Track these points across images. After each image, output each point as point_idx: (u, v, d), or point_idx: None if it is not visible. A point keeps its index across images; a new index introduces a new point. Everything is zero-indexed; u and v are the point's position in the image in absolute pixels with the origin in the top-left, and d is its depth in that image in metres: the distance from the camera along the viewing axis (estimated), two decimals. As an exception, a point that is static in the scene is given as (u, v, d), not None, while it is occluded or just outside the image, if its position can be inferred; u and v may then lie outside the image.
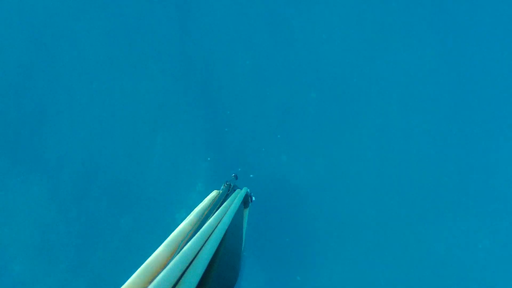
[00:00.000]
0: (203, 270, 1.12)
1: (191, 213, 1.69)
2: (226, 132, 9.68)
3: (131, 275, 1.03)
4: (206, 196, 2.20)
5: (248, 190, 2.53)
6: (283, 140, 9.63)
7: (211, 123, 9.81)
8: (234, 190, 2.30)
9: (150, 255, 1.17)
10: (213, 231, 1.39)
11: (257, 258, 8.37)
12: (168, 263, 1.11)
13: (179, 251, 1.20)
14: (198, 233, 1.31)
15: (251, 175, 8.71)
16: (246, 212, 2.50)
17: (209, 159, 9.42)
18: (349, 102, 9.93)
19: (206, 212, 1.78)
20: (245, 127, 9.62)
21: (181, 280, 1.01)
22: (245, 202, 2.46)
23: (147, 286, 0.99)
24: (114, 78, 9.59)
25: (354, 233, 8.86)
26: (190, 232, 1.47)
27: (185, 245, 1.21)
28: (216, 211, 1.70)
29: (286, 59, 9.22)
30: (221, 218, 1.56)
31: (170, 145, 9.44)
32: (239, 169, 8.71)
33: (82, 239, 8.78)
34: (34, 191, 8.67)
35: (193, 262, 1.12)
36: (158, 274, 1.05)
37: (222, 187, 2.26)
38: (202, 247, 1.22)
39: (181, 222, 1.55)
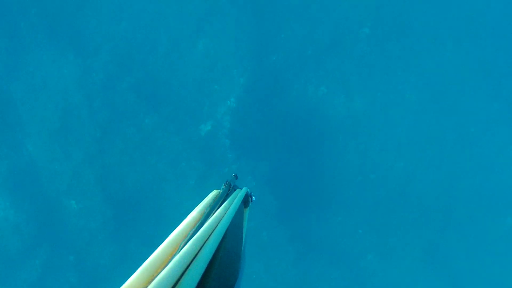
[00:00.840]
0: (203, 270, 1.15)
1: (191, 213, 1.76)
2: (271, 53, 9.20)
3: (131, 275, 1.07)
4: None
5: (248, 190, 2.56)
6: (325, 71, 9.15)
7: (256, 41, 9.26)
8: (234, 190, 2.34)
9: (150, 254, 1.22)
10: (213, 231, 1.44)
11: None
12: (168, 263, 1.14)
13: (179, 251, 1.23)
14: (198, 233, 1.35)
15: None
16: (246, 212, 2.53)
17: (242, 79, 9.17)
18: (401, 42, 9.02)
19: (206, 212, 1.82)
20: (291, 51, 9.08)
21: (181, 280, 1.04)
22: (245, 202, 2.49)
23: (147, 286, 1.01)
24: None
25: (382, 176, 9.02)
26: (190, 232, 1.51)
27: (185, 245, 1.25)
28: (216, 211, 1.75)
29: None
30: (221, 218, 1.61)
31: (211, 52, 9.18)
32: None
33: (101, 132, 9.29)
34: (65, 71, 8.92)
35: (193, 262, 1.15)
36: (158, 274, 1.07)
37: (222, 186, 2.29)
38: (202, 247, 1.27)
39: (182, 221, 1.62)
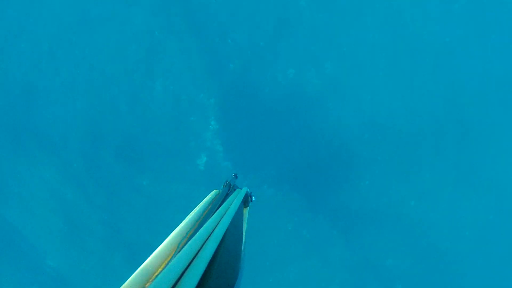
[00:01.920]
0: (203, 270, 1.21)
1: (191, 212, 1.82)
2: (227, 62, 9.51)
3: (131, 275, 1.12)
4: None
5: (248, 189, 2.67)
6: (286, 53, 9.49)
7: (208, 57, 9.59)
8: (234, 190, 2.46)
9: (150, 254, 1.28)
10: (213, 231, 1.49)
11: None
12: (168, 263, 1.18)
13: (179, 251, 1.28)
14: (198, 233, 1.40)
15: None
16: (246, 211, 2.62)
17: (212, 100, 9.41)
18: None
19: (206, 212, 1.88)
20: (244, 51, 9.41)
21: (181, 280, 1.09)
22: (245, 201, 2.60)
23: (147, 286, 1.06)
24: (93, 32, 9.17)
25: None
26: (190, 232, 1.57)
27: (185, 245, 1.30)
28: (216, 211, 1.81)
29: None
30: (221, 218, 1.67)
31: (170, 89, 9.46)
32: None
33: (108, 213, 9.50)
34: (47, 175, 9.15)
35: (193, 262, 1.20)
36: (158, 274, 1.11)
37: (222, 186, 2.40)
38: (202, 247, 1.32)
39: (182, 221, 1.69)
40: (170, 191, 9.29)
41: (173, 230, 1.56)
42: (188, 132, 8.96)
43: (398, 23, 9.98)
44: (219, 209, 1.87)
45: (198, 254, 1.28)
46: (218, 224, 1.61)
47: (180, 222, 1.66)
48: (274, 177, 8.77)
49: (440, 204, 9.10)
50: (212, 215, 1.74)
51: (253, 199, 2.78)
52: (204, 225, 1.55)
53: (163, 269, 1.18)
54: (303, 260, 9.08)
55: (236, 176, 2.85)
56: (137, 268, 1.17)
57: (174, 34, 9.27)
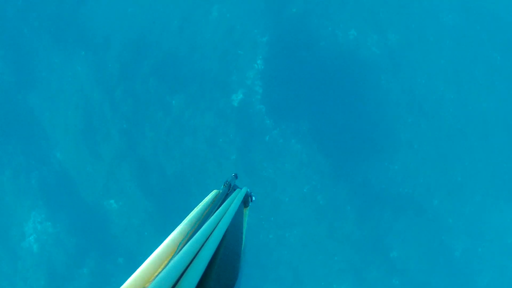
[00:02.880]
0: (203, 270, 1.24)
1: (191, 212, 1.89)
2: (290, 4, 9.50)
3: (131, 275, 1.15)
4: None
5: (248, 189, 2.79)
6: (353, 12, 9.45)
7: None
8: (234, 190, 2.55)
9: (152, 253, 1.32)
10: (213, 231, 1.54)
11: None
12: (168, 263, 1.22)
13: (179, 251, 1.31)
14: (198, 233, 1.45)
15: None
16: (246, 211, 2.74)
17: (264, 39, 9.44)
18: None
19: (206, 212, 1.94)
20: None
21: (181, 280, 1.12)
22: (245, 201, 2.71)
23: (147, 286, 1.09)
24: None
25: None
26: (190, 232, 1.61)
27: (185, 245, 1.34)
28: (216, 211, 1.87)
29: None
30: (221, 218, 1.72)
31: (226, 16, 9.52)
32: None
33: (128, 123, 9.74)
34: (78, 70, 9.40)
35: (193, 262, 1.24)
36: (158, 274, 1.15)
37: (222, 186, 2.50)
38: (202, 247, 1.36)
39: (182, 221, 1.74)
40: (197, 118, 9.70)
41: (173, 230, 1.63)
42: (232, 65, 9.13)
43: (475, 8, 9.81)
44: (219, 209, 1.92)
45: (198, 254, 1.31)
46: (218, 224, 1.65)
47: (181, 222, 1.72)
48: (304, 133, 8.97)
49: (464, 209, 9.20)
50: (212, 215, 1.79)
51: (253, 199, 2.86)
52: (204, 225, 1.59)
53: (163, 269, 1.21)
54: (309, 226, 9.34)
55: (236, 176, 2.90)
56: (136, 268, 1.22)
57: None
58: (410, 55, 9.94)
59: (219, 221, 1.73)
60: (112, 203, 9.71)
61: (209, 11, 9.45)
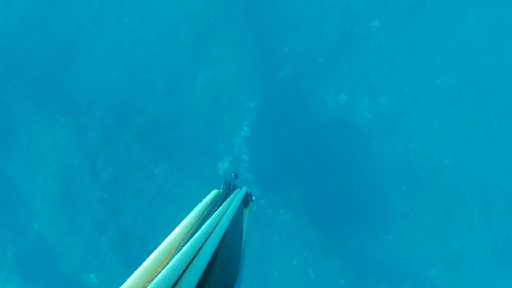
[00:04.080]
0: (203, 270, 1.31)
1: (191, 212, 2.00)
2: (278, 69, 9.88)
3: (131, 275, 1.23)
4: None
5: (248, 189, 2.98)
6: (343, 76, 9.82)
7: (259, 60, 9.98)
8: (234, 190, 2.69)
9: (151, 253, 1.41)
10: (212, 230, 1.62)
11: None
12: (168, 263, 1.30)
13: (179, 251, 1.40)
14: (198, 232, 1.53)
15: None
16: (246, 211, 2.92)
17: (251, 104, 9.81)
18: (417, 25, 9.76)
19: (206, 212, 2.05)
20: (299, 63, 9.77)
21: (181, 280, 1.19)
22: (245, 201, 2.89)
23: (147, 286, 1.16)
24: (147, 4, 9.71)
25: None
26: (190, 231, 1.71)
27: (185, 244, 1.41)
28: (215, 211, 1.98)
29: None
30: (221, 218, 1.82)
31: (213, 82, 9.87)
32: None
33: (109, 192, 10.02)
34: (58, 137, 9.74)
35: (193, 262, 1.31)
36: (158, 274, 1.23)
37: (222, 186, 2.65)
38: (202, 246, 1.43)
39: (182, 221, 1.84)
40: (181, 187, 10.11)
41: (173, 230, 1.75)
42: (218, 132, 9.52)
43: (469, 69, 10.22)
44: (219, 208, 2.06)
45: (198, 254, 1.40)
46: (218, 224, 1.77)
47: (180, 222, 1.86)
48: (293, 203, 9.32)
49: (463, 279, 9.43)
50: (212, 215, 1.92)
51: (253, 198, 3.08)
52: (204, 225, 1.70)
53: (163, 269, 1.29)
54: (300, 301, 9.44)
55: (236, 176, 3.09)
56: (136, 268, 1.30)
57: (230, 25, 9.85)
58: (403, 119, 10.35)
59: (219, 220, 1.81)
60: (91, 277, 9.88)
61: (195, 77, 9.91)
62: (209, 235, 1.60)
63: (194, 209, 2.11)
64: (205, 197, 2.36)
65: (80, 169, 10.29)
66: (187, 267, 1.30)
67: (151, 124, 10.13)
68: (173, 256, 1.45)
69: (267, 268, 10.08)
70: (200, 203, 2.24)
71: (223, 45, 10.10)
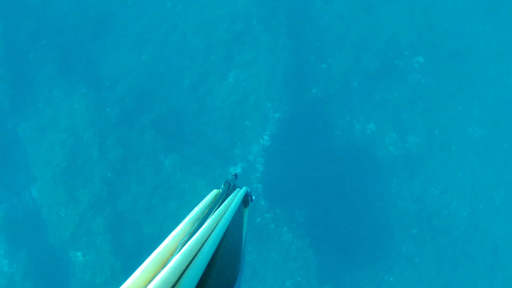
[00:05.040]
0: (203, 270, 1.38)
1: (191, 212, 2.12)
2: (311, 84, 10.15)
3: (132, 275, 1.30)
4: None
5: (248, 189, 3.12)
6: (376, 106, 10.05)
7: (294, 71, 10.27)
8: (234, 189, 2.82)
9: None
10: (212, 230, 1.71)
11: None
12: (168, 263, 1.37)
13: (179, 251, 1.48)
14: (198, 232, 1.62)
15: None
16: (246, 211, 3.04)
17: (277, 115, 10.05)
18: (460, 70, 10.03)
19: (206, 212, 2.17)
20: (334, 83, 10.03)
21: (181, 280, 1.25)
22: (245, 201, 3.01)
23: (147, 285, 1.23)
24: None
25: None
26: (190, 231, 1.80)
27: (185, 244, 1.49)
28: (215, 211, 2.09)
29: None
30: (221, 218, 1.92)
31: (242, 85, 10.14)
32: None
33: (113, 173, 10.26)
34: (75, 107, 10.05)
35: (193, 262, 1.37)
36: (158, 273, 1.29)
37: (222, 186, 2.79)
38: (202, 246, 1.50)
39: (182, 221, 1.96)
40: (188, 183, 10.59)
41: (173, 230, 1.85)
42: (237, 136, 9.83)
43: (504, 124, 10.43)
44: (219, 208, 2.19)
45: (198, 254, 1.47)
46: (218, 223, 1.88)
47: (180, 220, 1.98)
48: (298, 223, 9.78)
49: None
50: (212, 215, 2.03)
51: (253, 198, 3.25)
52: (204, 225, 1.80)
53: (163, 268, 1.36)
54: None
55: (236, 176, 3.23)
56: (136, 269, 1.38)
57: (272, 31, 10.26)
58: (427, 161, 10.63)
59: (219, 220, 1.89)
60: (78, 256, 10.15)
61: (225, 76, 10.24)
62: (209, 235, 1.69)
63: (194, 209, 2.23)
64: (202, 200, 2.47)
65: (90, 143, 10.67)
66: (187, 267, 1.37)
67: (170, 114, 10.50)
68: (173, 256, 1.53)
69: (257, 285, 10.28)
70: (200, 203, 2.37)
71: (259, 49, 10.50)
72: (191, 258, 1.42)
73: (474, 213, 11.09)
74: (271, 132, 10.69)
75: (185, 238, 1.74)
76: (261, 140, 10.76)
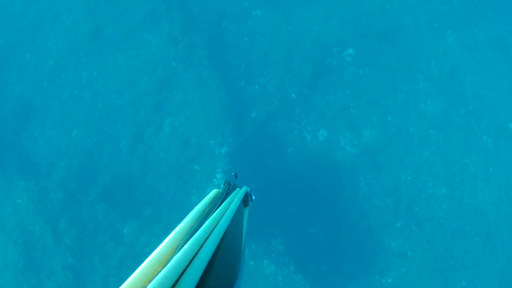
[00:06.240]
0: (203, 270, 1.63)
1: (191, 212, 2.47)
2: (248, 109, 12.34)
3: (131, 275, 1.63)
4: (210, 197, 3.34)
5: (248, 189, 3.83)
6: (320, 111, 12.26)
7: (227, 101, 12.50)
8: (234, 189, 3.38)
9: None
10: (212, 230, 2.01)
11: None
12: (168, 263, 1.63)
13: (179, 251, 1.74)
14: (198, 232, 1.90)
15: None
16: (246, 211, 3.74)
17: (223, 150, 12.21)
18: (396, 49, 12.38)
19: (205, 212, 2.54)
20: (271, 100, 12.25)
21: (180, 279, 1.49)
22: (245, 201, 3.67)
23: (147, 286, 1.49)
24: (105, 55, 12.45)
25: None
26: (189, 231, 2.11)
27: (184, 244, 1.75)
28: (215, 210, 2.45)
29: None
30: (221, 218, 2.24)
31: (179, 130, 12.33)
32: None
33: (74, 257, 12.22)
34: (18, 202, 12.14)
35: (193, 262, 1.62)
36: (158, 274, 1.55)
37: (222, 186, 3.35)
38: (201, 246, 1.77)
39: (182, 220, 2.34)
40: (152, 245, 12.31)
41: (172, 230, 2.25)
42: (189, 183, 11.80)
43: (455, 89, 12.37)
44: (219, 208, 2.63)
45: (198, 254, 1.76)
46: (217, 223, 2.24)
47: (180, 223, 2.43)
48: (278, 252, 11.49)
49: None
50: (212, 215, 2.42)
51: (253, 198, 4.00)
52: (204, 225, 2.15)
53: (162, 268, 1.63)
54: None
55: (236, 176, 3.92)
56: (136, 269, 1.76)
57: (194, 68, 12.48)
58: (390, 151, 12.74)
59: (219, 220, 2.22)
60: None
61: (160, 127, 12.48)
62: (209, 235, 2.00)
63: (194, 209, 2.64)
64: (202, 200, 2.99)
65: (42, 234, 12.69)
66: (187, 267, 1.64)
67: (117, 181, 12.62)
68: (173, 256, 1.80)
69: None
70: (200, 203, 2.79)
71: (187, 90, 12.78)
72: (191, 258, 1.68)
73: (453, 187, 12.93)
74: (223, 169, 12.60)
75: (185, 238, 2.05)
76: (215, 180, 12.60)
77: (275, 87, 13.34)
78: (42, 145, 13.51)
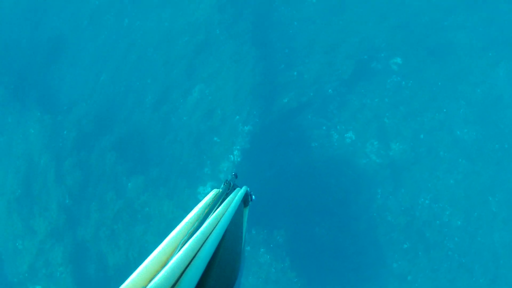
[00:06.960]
0: (203, 269, 1.68)
1: (191, 212, 2.57)
2: (281, 94, 12.15)
3: (131, 275, 1.61)
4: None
5: (248, 189, 3.98)
6: (353, 113, 11.98)
7: (262, 81, 12.31)
8: (234, 189, 3.53)
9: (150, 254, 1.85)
10: (212, 230, 2.07)
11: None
12: (168, 263, 1.67)
13: (179, 250, 1.79)
14: (198, 232, 1.96)
15: None
16: (246, 211, 3.89)
17: (246, 128, 12.03)
18: (442, 69, 11.99)
19: (206, 211, 2.63)
20: (307, 91, 12.02)
21: (181, 280, 1.53)
22: (245, 201, 3.81)
23: (147, 285, 1.51)
24: (151, 7, 12.30)
25: None
26: (189, 231, 2.17)
27: (184, 244, 1.81)
28: (215, 210, 2.55)
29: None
30: (221, 217, 2.32)
31: (208, 98, 12.15)
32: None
33: (72, 199, 12.08)
34: (30, 132, 12.01)
35: (193, 261, 1.67)
36: (158, 273, 1.59)
37: (222, 186, 3.49)
38: (201, 246, 1.82)
39: (182, 220, 2.40)
40: (153, 206, 12.41)
41: (172, 230, 2.30)
42: (205, 153, 11.62)
43: (493, 122, 12.00)
44: (219, 208, 2.71)
45: (198, 254, 1.80)
46: (218, 223, 2.33)
47: (180, 222, 2.47)
48: (277, 244, 11.29)
49: None
50: (212, 214, 2.49)
51: (253, 198, 4.12)
52: (204, 224, 2.22)
53: (163, 268, 1.64)
54: None
55: (236, 176, 4.06)
56: (136, 269, 1.73)
57: (236, 39, 12.30)
58: (414, 169, 12.43)
59: (219, 220, 2.27)
60: (37, 291, 11.82)
61: (190, 91, 12.29)
62: (209, 235, 2.05)
63: (194, 209, 2.71)
64: (202, 199, 3.04)
65: (45, 168, 12.64)
66: (187, 267, 1.67)
67: (133, 135, 12.51)
68: (173, 256, 1.83)
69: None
70: (200, 203, 2.86)
71: (223, 60, 12.61)
72: (191, 258, 1.72)
73: (469, 222, 12.67)
74: (242, 147, 12.49)
75: (185, 238, 2.09)
76: (231, 156, 12.48)
77: (314, 78, 13.20)
78: (68, 81, 13.51)
